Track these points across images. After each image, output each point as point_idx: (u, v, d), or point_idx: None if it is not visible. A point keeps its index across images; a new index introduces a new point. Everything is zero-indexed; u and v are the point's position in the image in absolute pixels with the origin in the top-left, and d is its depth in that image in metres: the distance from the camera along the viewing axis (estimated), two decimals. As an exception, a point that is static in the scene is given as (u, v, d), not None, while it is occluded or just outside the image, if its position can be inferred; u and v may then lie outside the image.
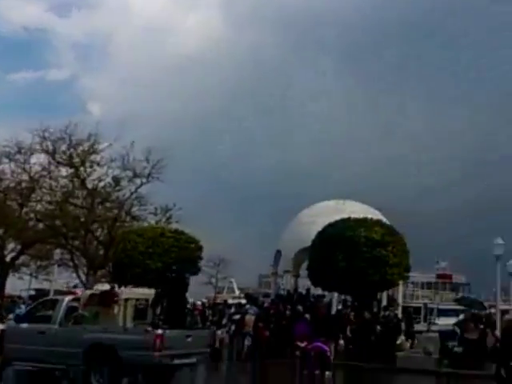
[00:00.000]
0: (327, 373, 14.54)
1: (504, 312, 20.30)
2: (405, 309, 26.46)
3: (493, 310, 23.64)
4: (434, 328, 26.58)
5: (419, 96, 78.71)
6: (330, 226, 20.29)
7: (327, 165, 72.26)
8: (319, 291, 22.94)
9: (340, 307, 22.60)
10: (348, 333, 18.66)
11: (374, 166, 73.83)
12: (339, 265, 18.63)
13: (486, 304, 30.89)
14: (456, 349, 17.75)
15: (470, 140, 74.52)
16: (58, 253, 31.20)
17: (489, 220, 49.26)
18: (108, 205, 30.72)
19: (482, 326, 18.14)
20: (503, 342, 15.31)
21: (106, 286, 23.20)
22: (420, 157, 73.19)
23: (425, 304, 36.85)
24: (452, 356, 17.78)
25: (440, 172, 70.83)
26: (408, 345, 21.63)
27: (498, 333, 17.52)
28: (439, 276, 49.44)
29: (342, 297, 23.74)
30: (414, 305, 34.55)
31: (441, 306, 34.97)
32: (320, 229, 20.46)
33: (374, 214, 22.89)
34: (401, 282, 22.80)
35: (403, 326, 22.52)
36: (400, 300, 25.46)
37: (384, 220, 21.82)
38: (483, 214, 57.15)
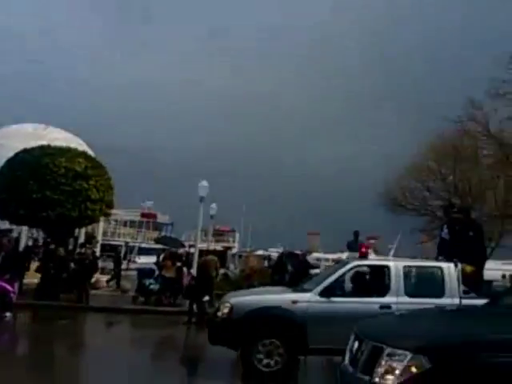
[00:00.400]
0: (8, 314, 13.85)
1: (202, 252, 20.97)
2: (114, 248, 25.84)
3: (192, 250, 24.41)
4: (133, 266, 26.46)
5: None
6: (25, 151, 18.67)
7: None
8: (6, 225, 20.80)
9: (30, 243, 20.39)
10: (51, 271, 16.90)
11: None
12: (32, 196, 17.05)
13: (186, 244, 32.06)
14: (152, 286, 17.78)
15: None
16: None
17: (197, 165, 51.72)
18: None
19: (179, 264, 18.39)
20: (197, 279, 15.74)
21: None
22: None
23: (126, 242, 36.67)
24: (148, 293, 17.74)
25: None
26: (105, 284, 20.89)
27: (193, 271, 17.95)
28: (144, 215, 50.00)
29: (34, 232, 21.62)
30: (115, 243, 33.92)
31: (142, 245, 35.28)
32: (11, 154, 18.53)
33: (79, 144, 21.36)
34: (102, 219, 21.87)
35: (103, 264, 21.77)
36: (100, 237, 24.56)
37: (90, 152, 20.45)
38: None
